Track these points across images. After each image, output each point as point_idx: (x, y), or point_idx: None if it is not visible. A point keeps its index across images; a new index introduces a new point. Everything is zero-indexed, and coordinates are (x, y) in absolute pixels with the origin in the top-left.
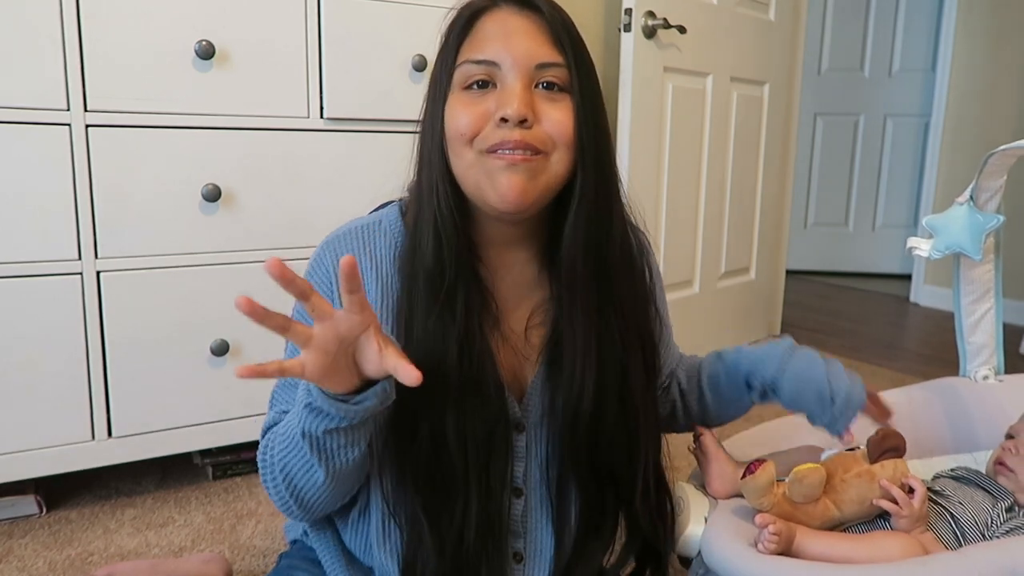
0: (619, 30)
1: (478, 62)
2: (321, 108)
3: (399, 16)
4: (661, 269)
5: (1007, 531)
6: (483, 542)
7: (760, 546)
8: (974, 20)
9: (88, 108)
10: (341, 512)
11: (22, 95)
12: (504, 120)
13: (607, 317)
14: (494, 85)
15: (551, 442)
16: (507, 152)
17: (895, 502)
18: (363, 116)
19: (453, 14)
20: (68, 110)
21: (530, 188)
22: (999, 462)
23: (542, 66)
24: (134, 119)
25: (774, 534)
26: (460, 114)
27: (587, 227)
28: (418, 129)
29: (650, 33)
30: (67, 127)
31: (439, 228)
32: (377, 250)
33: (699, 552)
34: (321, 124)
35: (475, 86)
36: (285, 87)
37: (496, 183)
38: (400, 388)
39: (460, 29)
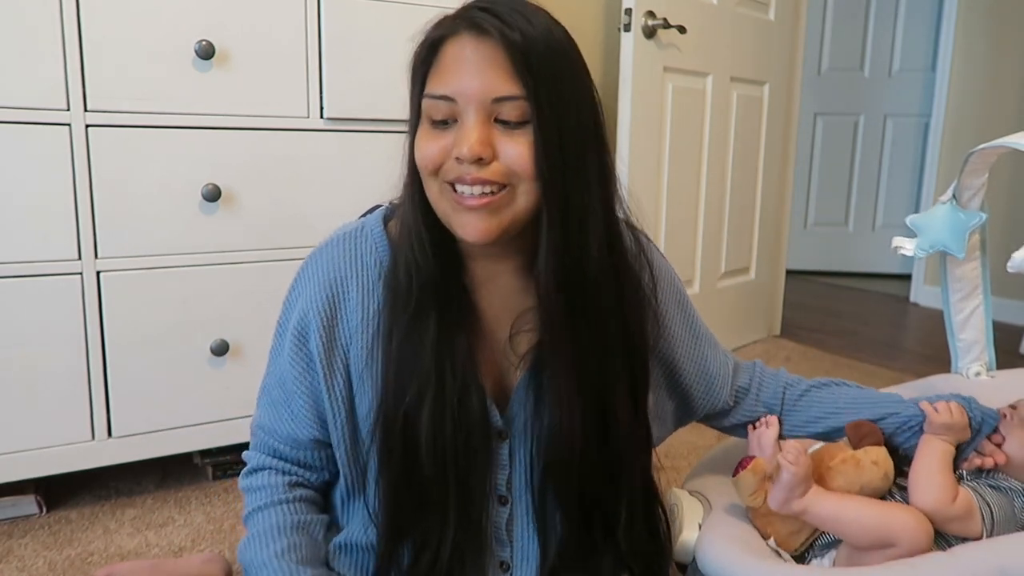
0: (619, 30)
1: (438, 97)
2: (321, 108)
3: (399, 16)
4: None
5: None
6: (460, 554)
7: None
8: (974, 20)
9: (88, 108)
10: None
11: (22, 95)
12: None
13: (589, 343)
14: (455, 120)
15: (536, 446)
16: (466, 192)
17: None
18: (363, 116)
19: (421, 37)
20: (68, 110)
21: (493, 226)
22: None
23: (499, 100)
24: (134, 119)
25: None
26: (424, 147)
27: (556, 256)
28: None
29: (650, 33)
30: (67, 127)
31: (423, 240)
32: (359, 258)
33: (694, 558)
34: (321, 124)
35: (438, 122)
36: (285, 87)
37: (460, 222)
38: (382, 398)
39: (424, 57)
